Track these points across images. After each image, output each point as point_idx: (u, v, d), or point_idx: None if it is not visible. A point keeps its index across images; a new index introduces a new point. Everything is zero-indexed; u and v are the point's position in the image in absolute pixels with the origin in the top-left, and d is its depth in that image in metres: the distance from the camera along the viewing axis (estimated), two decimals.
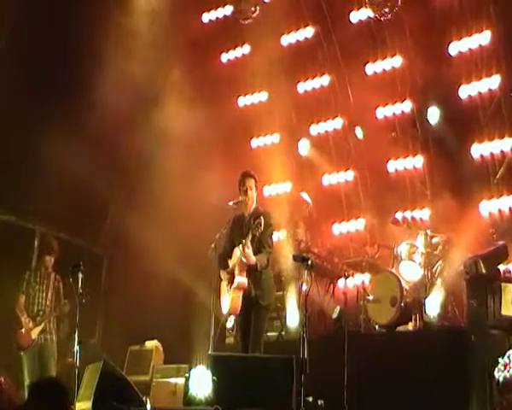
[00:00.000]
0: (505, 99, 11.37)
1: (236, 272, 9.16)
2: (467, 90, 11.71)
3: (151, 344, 12.47)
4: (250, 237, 9.07)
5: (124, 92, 13.29)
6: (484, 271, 9.73)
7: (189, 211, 12.44)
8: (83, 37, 12.90)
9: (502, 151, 11.32)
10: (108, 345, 12.73)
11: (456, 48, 11.88)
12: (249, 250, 9.02)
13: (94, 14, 13.03)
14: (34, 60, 12.54)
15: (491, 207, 11.29)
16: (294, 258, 9.62)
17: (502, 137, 11.33)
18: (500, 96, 11.45)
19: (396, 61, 12.69)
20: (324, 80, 13.66)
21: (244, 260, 9.04)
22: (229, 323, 11.81)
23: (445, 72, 11.90)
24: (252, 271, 9.14)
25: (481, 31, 11.64)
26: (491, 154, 11.41)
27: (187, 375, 10.35)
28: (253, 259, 9.04)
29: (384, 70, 12.84)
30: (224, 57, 14.88)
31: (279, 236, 12.32)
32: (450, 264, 10.46)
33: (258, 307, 9.18)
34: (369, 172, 12.98)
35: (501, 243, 10.17)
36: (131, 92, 13.46)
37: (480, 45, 11.66)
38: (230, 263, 9.29)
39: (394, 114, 12.68)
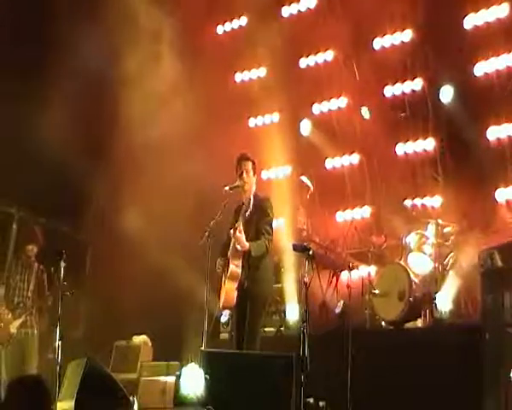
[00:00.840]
0: None
1: (230, 260, 9.16)
2: (483, 68, 11.61)
3: (139, 339, 12.44)
4: (241, 221, 9.10)
5: (111, 62, 13.25)
6: (500, 263, 9.68)
7: (182, 196, 12.39)
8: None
9: None
10: (92, 340, 12.66)
11: (471, 21, 11.79)
12: (241, 235, 9.02)
13: None
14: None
15: (508, 194, 11.20)
16: (294, 248, 9.54)
17: None
18: None
19: (406, 35, 12.59)
20: (328, 55, 13.61)
21: (237, 245, 9.05)
22: (224, 317, 11.80)
23: (460, 47, 11.83)
24: (247, 260, 9.13)
25: (500, 2, 11.55)
26: (509, 137, 11.31)
27: (178, 373, 10.30)
28: (245, 244, 9.05)
29: (393, 45, 12.74)
30: (220, 29, 14.82)
31: (278, 223, 12.28)
32: (464, 256, 10.39)
33: (254, 299, 9.17)
34: (376, 156, 12.88)
35: None
36: (120, 63, 13.40)
37: (498, 18, 11.56)
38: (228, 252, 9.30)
39: (404, 92, 12.57)
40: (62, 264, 9.30)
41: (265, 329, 11.47)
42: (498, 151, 11.40)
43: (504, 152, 11.38)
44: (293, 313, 11.71)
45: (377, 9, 12.78)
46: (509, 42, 11.47)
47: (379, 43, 12.90)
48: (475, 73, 11.69)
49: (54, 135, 12.20)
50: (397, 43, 12.71)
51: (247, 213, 9.27)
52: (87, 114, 13.04)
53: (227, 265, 9.22)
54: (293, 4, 13.98)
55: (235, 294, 9.16)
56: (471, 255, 10.20)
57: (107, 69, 13.25)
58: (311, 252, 9.05)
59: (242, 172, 9.42)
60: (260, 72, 14.31)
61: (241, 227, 9.08)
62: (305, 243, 10.32)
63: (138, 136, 13.17)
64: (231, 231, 9.16)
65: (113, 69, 13.24)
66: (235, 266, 9.13)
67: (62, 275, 9.32)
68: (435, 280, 10.53)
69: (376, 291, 10.72)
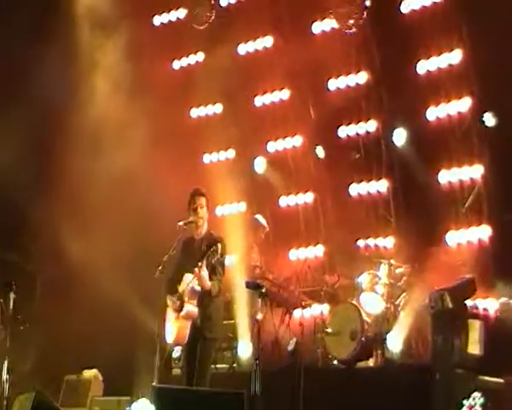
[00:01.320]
0: (475, 123, 11.58)
1: (186, 299, 9.17)
2: (435, 112, 11.92)
3: (89, 373, 12.36)
4: (205, 262, 9.09)
5: (65, 91, 13.25)
6: (450, 305, 9.90)
7: (135, 229, 12.42)
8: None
9: (471, 179, 11.54)
10: (42, 373, 12.53)
11: (424, 67, 12.09)
12: (205, 273, 9.05)
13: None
14: None
15: (458, 237, 11.51)
16: (247, 285, 9.66)
17: (471, 163, 11.55)
18: (470, 120, 11.68)
19: (361, 78, 12.87)
20: (284, 94, 13.78)
21: (197, 285, 9.06)
22: (176, 353, 11.79)
23: (413, 92, 12.11)
24: (201, 299, 9.17)
25: (451, 50, 11.85)
26: (460, 181, 11.64)
27: (128, 408, 10.29)
28: (208, 283, 9.08)
29: (348, 86, 13.00)
30: (176, 64, 14.92)
31: (232, 260, 12.36)
32: (415, 297, 10.62)
33: (205, 338, 9.21)
34: (330, 196, 13.08)
35: (469, 276, 10.37)
36: (75, 92, 13.41)
37: (450, 65, 11.86)
38: (180, 289, 9.30)
39: (358, 133, 12.84)
40: (12, 295, 9.23)
41: (218, 365, 11.55)
42: (449, 194, 11.70)
43: (455, 196, 11.68)
44: (245, 350, 11.77)
45: (333, 51, 13.00)
46: (459, 88, 11.77)
47: (334, 84, 13.12)
48: (428, 118, 11.98)
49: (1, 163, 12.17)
50: (352, 84, 12.96)
51: (206, 253, 9.25)
52: (38, 143, 13.00)
53: (181, 303, 9.22)
54: (249, 42, 14.13)
55: (188, 331, 9.19)
56: (422, 296, 10.43)
57: (61, 98, 13.23)
58: (264, 289, 9.19)
59: (197, 208, 9.48)
60: (216, 108, 14.44)
61: (204, 268, 9.09)
62: (258, 281, 10.44)
63: (90, 167, 13.16)
64: (196, 269, 9.12)
65: (66, 98, 13.25)
66: (193, 306, 9.14)
67: (12, 307, 9.24)
68: (387, 320, 10.73)
69: (329, 330, 10.85)
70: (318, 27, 13.36)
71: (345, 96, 13.01)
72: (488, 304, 10.79)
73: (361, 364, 10.71)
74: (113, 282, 12.27)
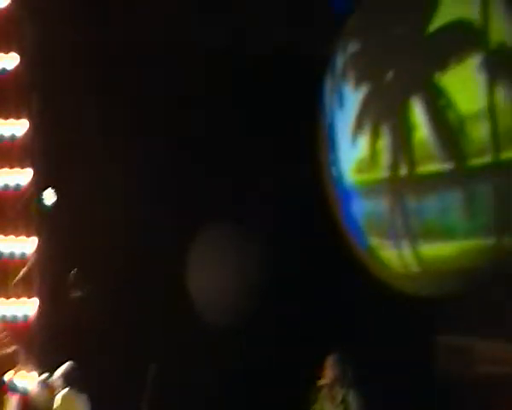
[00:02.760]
0: (35, 197, 11.73)
1: None
2: None
3: None
4: None
5: None
6: None
7: None
8: None
9: (24, 252, 11.62)
10: None
11: None
12: None
13: None
14: None
15: (5, 310, 11.48)
16: None
17: (27, 236, 11.64)
18: (31, 194, 11.79)
19: None
20: None
21: None
22: None
23: None
24: None
25: (19, 118, 11.87)
26: (12, 253, 11.62)
27: None
28: None
29: None
30: None
31: None
32: None
33: None
34: None
35: (9, 350, 10.44)
36: None
37: (14, 135, 11.85)
38: None
39: None
40: None
41: None
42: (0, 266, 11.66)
43: (6, 267, 11.67)
44: None
45: None
46: (23, 160, 11.81)
47: None
48: None
49: None
50: None
51: None
52: None
53: None
54: None
55: None
56: None
57: None
58: None
59: None
60: None
61: None
62: None
63: None
64: None
65: None
66: None
67: None
68: None
69: None
70: None
71: None
72: (27, 380, 10.85)
73: None
74: None
